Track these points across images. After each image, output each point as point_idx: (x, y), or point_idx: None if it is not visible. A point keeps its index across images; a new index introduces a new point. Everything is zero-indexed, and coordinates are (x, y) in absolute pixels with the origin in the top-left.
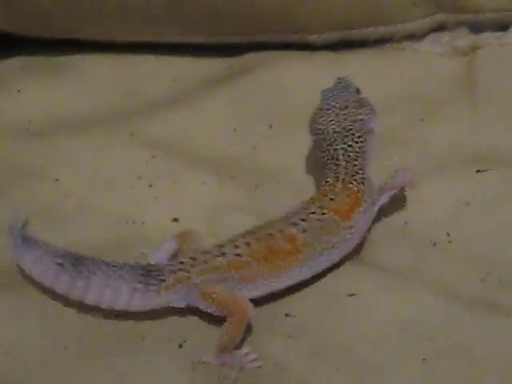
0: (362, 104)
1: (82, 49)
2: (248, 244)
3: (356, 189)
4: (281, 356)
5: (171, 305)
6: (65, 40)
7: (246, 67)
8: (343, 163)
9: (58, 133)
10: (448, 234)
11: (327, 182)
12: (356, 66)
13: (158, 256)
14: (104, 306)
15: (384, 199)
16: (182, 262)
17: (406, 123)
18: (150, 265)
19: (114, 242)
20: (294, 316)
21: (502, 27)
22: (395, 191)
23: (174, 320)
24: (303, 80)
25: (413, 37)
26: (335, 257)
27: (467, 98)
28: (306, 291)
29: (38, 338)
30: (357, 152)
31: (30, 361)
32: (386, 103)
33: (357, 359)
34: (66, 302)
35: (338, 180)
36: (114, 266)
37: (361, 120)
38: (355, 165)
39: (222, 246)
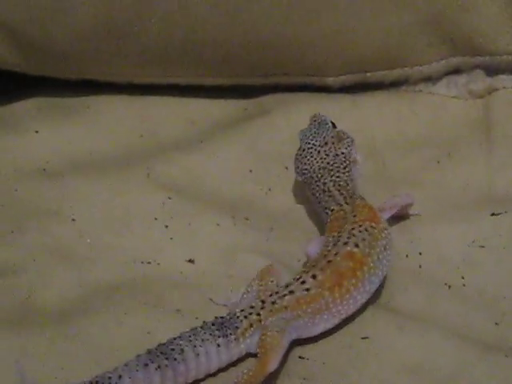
0: (340, 138)
1: (99, 90)
2: (314, 276)
3: (364, 202)
4: None
5: (250, 351)
6: (81, 81)
7: (261, 109)
8: (336, 192)
9: (74, 173)
10: (462, 277)
11: (332, 210)
12: (372, 109)
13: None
14: (202, 375)
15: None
16: (252, 307)
17: (421, 165)
18: (220, 317)
19: (130, 282)
20: (308, 359)
21: None
22: (395, 211)
23: None
24: None
25: (428, 79)
26: (390, 258)
27: (483, 140)
28: (319, 334)
29: (52, 377)
30: (345, 180)
31: None
32: (401, 145)
33: None
34: (78, 339)
35: (341, 205)
36: (190, 335)
37: (342, 153)
38: (348, 190)
39: (288, 285)
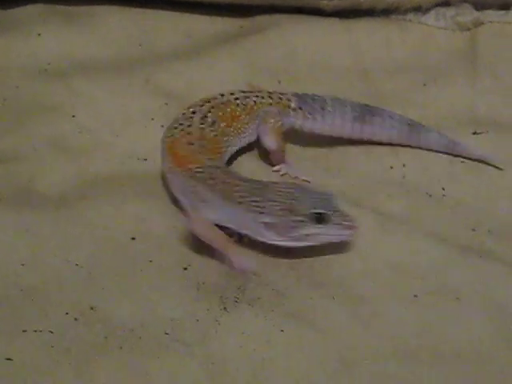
0: None
1: (102, 1)
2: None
3: None
4: (280, 283)
5: None
6: None
7: (256, 28)
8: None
9: (76, 75)
10: (443, 188)
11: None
12: (363, 34)
13: None
14: None
15: None
16: None
17: (408, 87)
18: None
19: (127, 175)
20: (295, 251)
21: (505, 6)
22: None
23: (179, 247)
24: (312, 43)
25: (418, 9)
26: None
27: (468, 68)
28: None
29: (52, 254)
30: None
31: (42, 274)
32: (390, 68)
33: (352, 291)
34: (77, 221)
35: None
36: None
37: None
38: None
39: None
